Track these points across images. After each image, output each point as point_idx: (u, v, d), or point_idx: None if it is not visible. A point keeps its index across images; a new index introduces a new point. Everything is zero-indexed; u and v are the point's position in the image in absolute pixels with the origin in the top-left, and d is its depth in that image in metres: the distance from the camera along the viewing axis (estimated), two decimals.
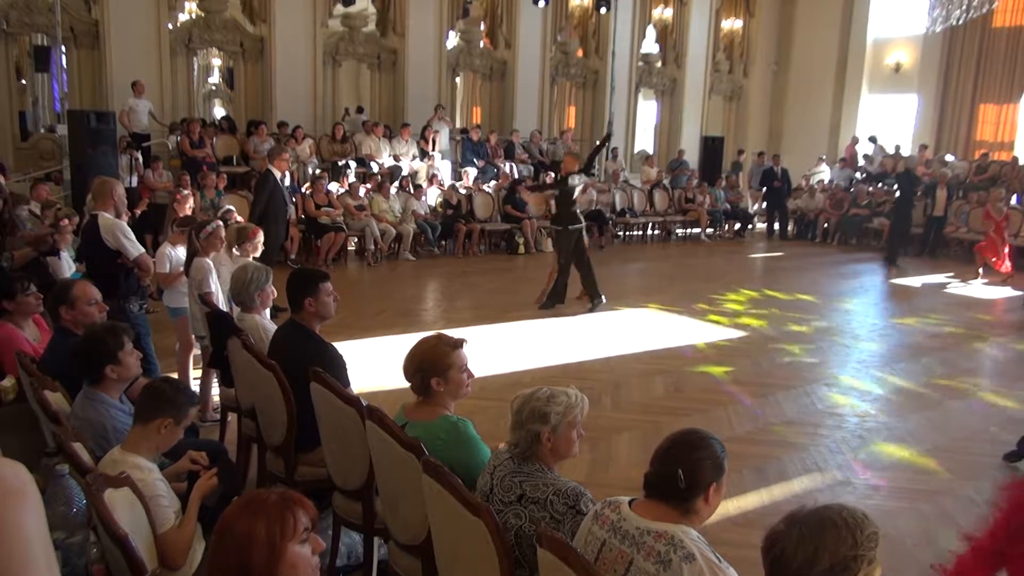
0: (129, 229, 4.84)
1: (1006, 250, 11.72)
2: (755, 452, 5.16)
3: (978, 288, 11.40)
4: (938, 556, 3.94)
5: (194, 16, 14.30)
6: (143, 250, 4.85)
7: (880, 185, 16.45)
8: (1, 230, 4.67)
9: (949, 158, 16.64)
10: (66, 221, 6.87)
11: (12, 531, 1.16)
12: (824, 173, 17.68)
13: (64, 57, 12.03)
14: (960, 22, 14.99)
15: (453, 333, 3.04)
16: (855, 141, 17.64)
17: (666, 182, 16.31)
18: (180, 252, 5.52)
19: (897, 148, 17.14)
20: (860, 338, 8.32)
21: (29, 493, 1.22)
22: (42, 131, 13.12)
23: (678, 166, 17.23)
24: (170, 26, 13.10)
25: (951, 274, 12.16)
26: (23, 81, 13.78)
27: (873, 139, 17.77)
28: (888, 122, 18.89)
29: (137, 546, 2.07)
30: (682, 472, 2.05)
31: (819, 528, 1.75)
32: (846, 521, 1.76)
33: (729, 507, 4.30)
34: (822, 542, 1.72)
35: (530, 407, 2.46)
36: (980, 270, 11.84)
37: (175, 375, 5.54)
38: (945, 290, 11.37)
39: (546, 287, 8.96)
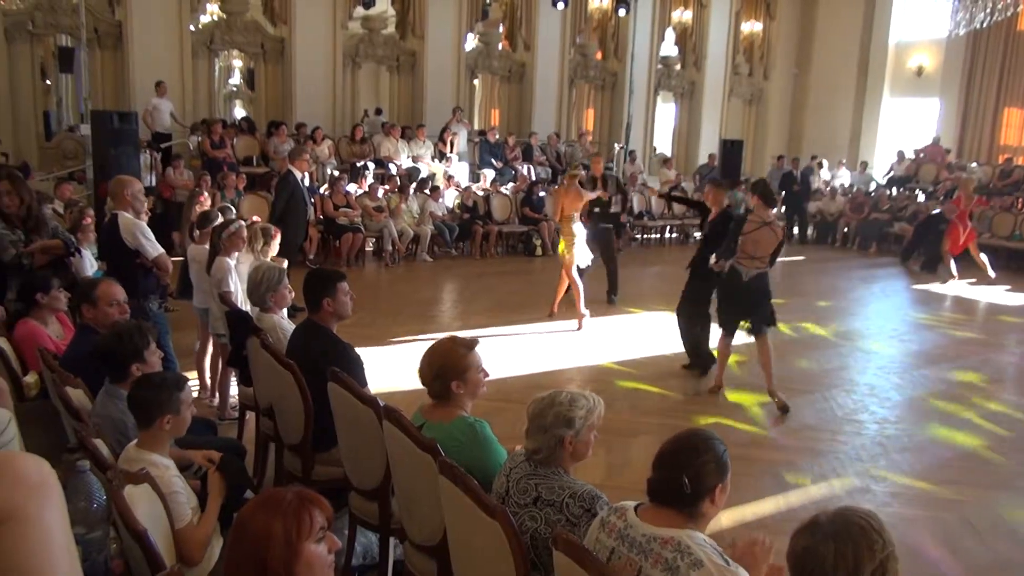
0: (148, 229, 4.87)
1: (964, 235, 11.82)
2: (773, 457, 5.12)
3: (1000, 293, 11.28)
4: (959, 563, 3.90)
5: (216, 18, 14.43)
6: (162, 250, 4.89)
7: (902, 189, 16.32)
8: (26, 228, 4.71)
9: (972, 166, 16.43)
10: (88, 219, 6.95)
11: (35, 525, 1.17)
12: (844, 177, 17.54)
13: (87, 57, 12.17)
14: (984, 25, 14.82)
15: (470, 335, 3.05)
16: (937, 140, 17.20)
17: (685, 184, 16.21)
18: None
19: (916, 152, 16.98)
20: (880, 343, 8.25)
21: (51, 488, 1.23)
22: (66, 130, 13.27)
23: (708, 172, 16.89)
24: (192, 27, 13.22)
25: (973, 280, 12.02)
26: (48, 82, 13.96)
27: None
28: (910, 126, 18.70)
29: (155, 542, 2.09)
30: (687, 478, 2.03)
31: (850, 535, 1.72)
32: (870, 523, 1.75)
33: (746, 513, 4.27)
34: (858, 551, 1.70)
35: (554, 412, 2.45)
36: (990, 272, 11.87)
37: (193, 373, 5.59)
38: (967, 296, 11.24)
39: (558, 297, 8.79)
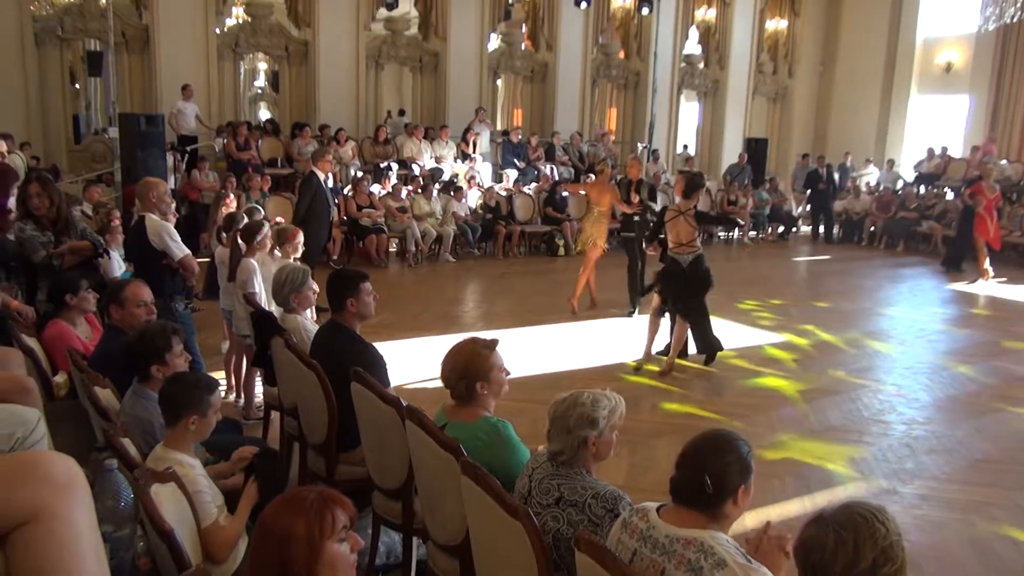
0: (175, 231, 4.93)
1: (994, 226, 11.82)
2: (798, 458, 5.08)
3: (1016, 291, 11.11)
4: (989, 567, 3.84)
5: (241, 21, 14.57)
6: (188, 251, 4.94)
7: (930, 187, 16.09)
8: (56, 230, 4.79)
9: (1003, 164, 16.12)
10: (116, 221, 7.05)
11: (63, 523, 1.19)
12: (872, 175, 17.33)
13: (115, 61, 12.34)
14: (1014, 20, 14.57)
15: (492, 334, 3.05)
16: (992, 139, 16.73)
17: (710, 183, 16.07)
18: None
19: (944, 150, 16.73)
20: (907, 343, 8.14)
21: (79, 486, 1.25)
22: (94, 134, 13.47)
23: (739, 172, 16.66)
24: (217, 31, 13.36)
25: (1003, 279, 11.84)
26: (76, 86, 14.17)
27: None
28: (939, 124, 18.44)
29: (181, 540, 2.12)
30: (709, 478, 2.02)
31: (852, 525, 1.74)
32: (873, 513, 1.77)
33: (771, 514, 4.23)
34: (860, 538, 1.73)
35: (578, 413, 2.44)
36: (988, 268, 11.77)
37: (219, 373, 5.65)
38: (997, 295, 11.06)
39: (579, 291, 8.83)
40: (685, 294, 6.58)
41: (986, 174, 12.26)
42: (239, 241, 5.49)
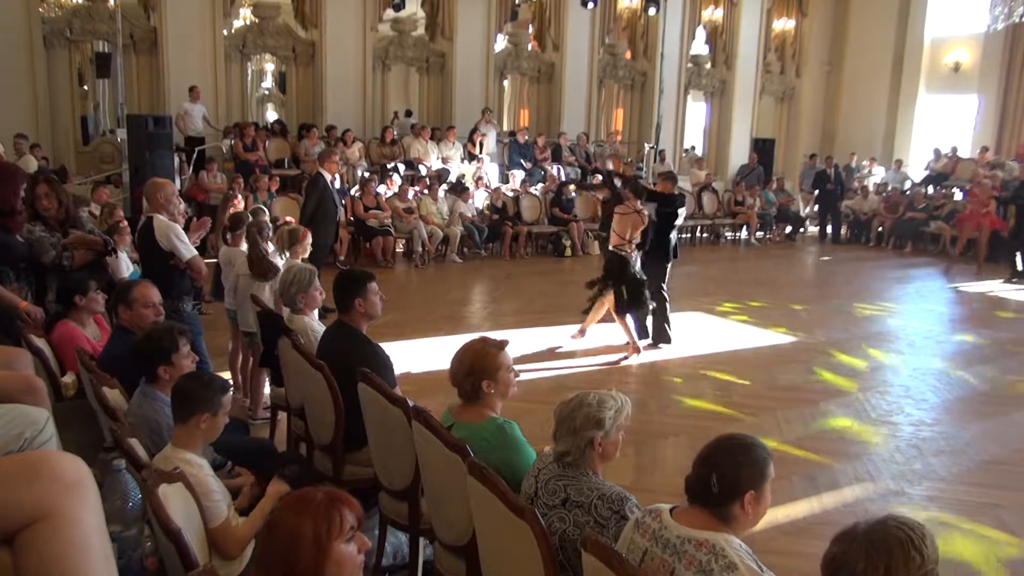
0: (182, 231, 4.94)
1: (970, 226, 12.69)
2: (805, 460, 5.06)
3: None
4: (997, 569, 3.82)
5: (248, 22, 14.61)
6: (196, 252, 4.95)
7: (939, 188, 16.01)
8: (64, 231, 4.81)
9: (1011, 164, 16.03)
10: (123, 222, 7.07)
11: (71, 523, 1.19)
12: (876, 175, 17.27)
13: (123, 63, 12.39)
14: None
15: (499, 335, 3.05)
16: None
17: (717, 184, 16.06)
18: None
19: (954, 150, 16.66)
20: (915, 345, 8.11)
21: (87, 486, 1.25)
22: (102, 135, 13.52)
23: (749, 172, 16.62)
24: (225, 32, 13.40)
25: (1016, 279, 11.76)
26: (85, 87, 14.23)
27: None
28: (947, 124, 18.35)
29: (189, 540, 2.12)
30: (716, 477, 2.02)
31: (886, 548, 1.69)
32: (911, 538, 1.70)
33: (778, 515, 4.23)
34: (892, 563, 1.66)
35: (584, 414, 2.45)
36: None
37: (225, 373, 5.66)
38: (1008, 296, 11.01)
39: None
40: (630, 287, 7.01)
41: (977, 178, 12.45)
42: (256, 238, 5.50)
